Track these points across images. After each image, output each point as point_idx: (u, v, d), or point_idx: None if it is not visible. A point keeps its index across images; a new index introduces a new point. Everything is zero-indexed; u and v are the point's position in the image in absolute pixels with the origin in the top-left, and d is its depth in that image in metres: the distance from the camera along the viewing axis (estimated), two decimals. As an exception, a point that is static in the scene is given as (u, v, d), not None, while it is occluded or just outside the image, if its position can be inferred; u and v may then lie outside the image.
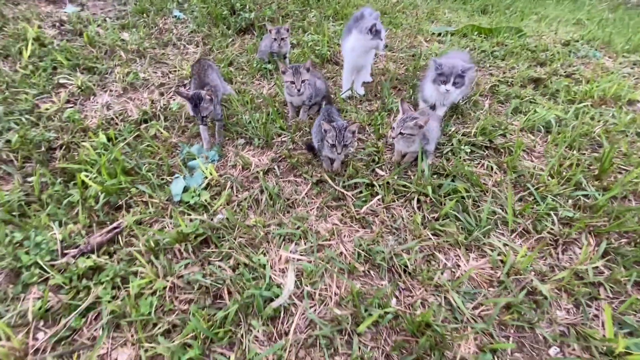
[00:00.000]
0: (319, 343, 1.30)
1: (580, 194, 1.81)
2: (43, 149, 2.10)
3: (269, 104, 2.38)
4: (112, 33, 3.10)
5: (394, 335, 1.33)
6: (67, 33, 3.10)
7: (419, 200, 1.80)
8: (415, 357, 1.26)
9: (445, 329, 1.32)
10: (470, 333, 1.32)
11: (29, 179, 1.93)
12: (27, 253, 1.50)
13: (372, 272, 1.54)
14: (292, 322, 1.37)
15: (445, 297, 1.44)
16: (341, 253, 1.60)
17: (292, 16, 3.89)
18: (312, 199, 1.85)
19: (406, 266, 1.54)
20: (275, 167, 1.99)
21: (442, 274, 1.51)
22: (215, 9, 3.55)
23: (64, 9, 3.48)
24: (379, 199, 1.80)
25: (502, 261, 1.56)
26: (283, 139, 2.18)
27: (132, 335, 1.31)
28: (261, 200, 1.83)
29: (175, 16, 3.60)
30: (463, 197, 1.77)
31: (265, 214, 1.78)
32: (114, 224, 1.68)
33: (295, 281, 1.49)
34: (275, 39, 2.77)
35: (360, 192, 1.84)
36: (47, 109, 2.37)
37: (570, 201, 1.79)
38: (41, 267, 1.48)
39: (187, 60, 3.02)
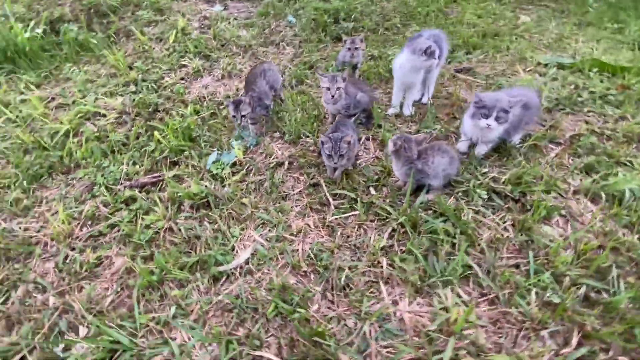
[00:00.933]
0: (235, 312, 1.52)
1: (593, 284, 1.44)
2: (150, 109, 2.87)
3: (310, 107, 2.62)
4: (232, 30, 3.84)
5: (294, 334, 1.43)
6: (204, 27, 3.99)
7: (394, 229, 1.76)
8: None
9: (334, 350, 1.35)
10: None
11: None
12: (102, 175, 2.18)
13: (312, 275, 1.64)
14: (227, 288, 1.62)
15: (361, 325, 1.44)
16: (296, 250, 1.75)
17: (393, 29, 3.96)
18: (302, 197, 2.02)
19: (346, 283, 1.58)
20: (287, 162, 2.23)
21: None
22: (321, 17, 3.94)
23: (213, 7, 4.45)
24: (355, 215, 1.85)
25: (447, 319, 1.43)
26: (308, 140, 2.39)
27: (127, 251, 1.81)
28: (263, 186, 2.11)
29: (289, 20, 4.16)
30: (436, 242, 1.65)
31: (261, 198, 2.06)
32: (159, 174, 2.24)
33: (248, 258, 1.73)
34: (349, 49, 2.96)
35: (343, 203, 1.92)
36: (166, 82, 3.19)
37: (574, 288, 1.45)
38: (106, 187, 2.13)
39: (282, 58, 3.51)
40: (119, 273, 1.70)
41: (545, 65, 3.08)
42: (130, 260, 1.73)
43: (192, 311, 1.54)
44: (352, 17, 4.07)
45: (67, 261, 1.75)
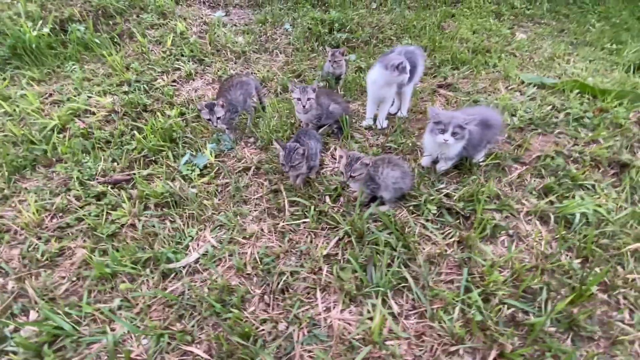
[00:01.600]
0: (174, 308, 1.60)
1: (517, 304, 1.46)
2: (138, 109, 3.01)
3: (288, 115, 2.70)
4: (228, 35, 3.97)
5: (224, 333, 1.50)
6: (203, 32, 4.14)
7: (341, 238, 1.82)
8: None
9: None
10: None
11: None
12: (79, 171, 2.31)
13: (255, 278, 1.71)
14: (174, 285, 1.70)
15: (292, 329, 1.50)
16: (245, 253, 1.82)
17: (386, 42, 4.02)
18: (262, 202, 2.10)
19: (285, 287, 1.65)
20: (254, 167, 2.31)
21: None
22: (316, 27, 4.04)
23: (215, 13, 4.61)
24: (306, 222, 1.91)
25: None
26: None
27: (88, 243, 1.91)
28: (227, 189, 2.20)
29: (285, 29, 4.27)
30: (378, 253, 1.69)
31: (223, 201, 2.14)
32: (131, 173, 2.35)
33: (198, 258, 1.81)
34: (329, 61, 3.04)
35: (298, 210, 1.98)
36: (158, 83, 3.33)
37: (501, 307, 1.47)
38: (80, 182, 2.26)
39: (272, 65, 3.62)
40: (77, 264, 1.80)
41: (530, 84, 3.08)
42: (89, 252, 1.83)
43: (137, 304, 1.63)
44: (347, 28, 4.15)
45: (31, 249, 1.87)
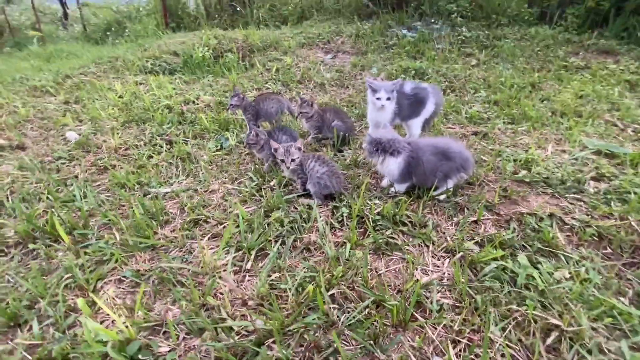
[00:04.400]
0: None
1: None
2: (221, 106, 4.04)
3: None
4: (320, 72, 4.77)
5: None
6: (305, 67, 5.09)
7: (258, 208, 2.07)
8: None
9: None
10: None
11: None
12: (157, 129, 3.35)
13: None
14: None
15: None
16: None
17: (460, 90, 3.99)
18: (235, 175, 2.55)
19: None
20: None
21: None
22: (397, 72, 4.40)
23: (326, 56, 5.56)
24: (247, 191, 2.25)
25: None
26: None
27: (130, 167, 2.79)
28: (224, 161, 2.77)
29: (371, 72, 4.78)
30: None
31: (214, 167, 2.71)
32: (177, 137, 3.24)
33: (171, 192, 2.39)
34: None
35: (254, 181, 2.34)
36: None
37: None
38: (152, 135, 3.28)
39: (337, 96, 4.17)
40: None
41: (585, 148, 2.53)
42: (126, 172, 2.69)
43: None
44: (427, 77, 4.32)
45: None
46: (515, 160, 2.41)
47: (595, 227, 1.78)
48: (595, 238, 1.76)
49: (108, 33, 9.38)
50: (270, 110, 3.20)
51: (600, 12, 5.23)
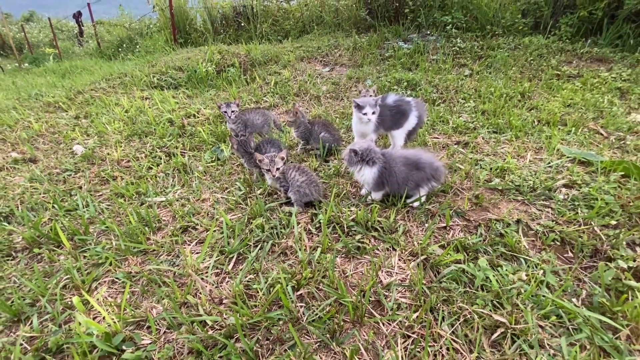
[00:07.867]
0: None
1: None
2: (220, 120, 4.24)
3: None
4: (316, 84, 4.95)
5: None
6: (302, 80, 5.29)
7: (243, 215, 2.22)
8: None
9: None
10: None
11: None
12: (157, 142, 3.57)
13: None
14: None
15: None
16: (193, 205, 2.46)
17: (451, 101, 4.11)
18: (226, 185, 2.71)
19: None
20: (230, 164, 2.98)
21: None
22: (390, 83, 4.54)
23: (324, 69, 5.76)
24: (234, 199, 2.40)
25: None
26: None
27: (129, 177, 2.99)
28: (217, 171, 2.94)
29: (367, 83, 4.94)
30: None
31: (207, 178, 2.89)
32: (177, 148, 3.44)
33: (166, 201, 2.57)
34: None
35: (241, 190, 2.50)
36: (247, 107, 4.56)
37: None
38: (153, 147, 3.49)
39: (330, 108, 4.33)
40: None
41: (562, 156, 2.61)
42: (127, 182, 2.89)
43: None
44: (419, 87, 4.46)
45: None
46: (491, 169, 2.51)
47: (558, 232, 1.87)
48: (558, 242, 1.85)
49: (120, 49, 9.83)
50: (256, 122, 3.38)
51: (594, 21, 5.29)
